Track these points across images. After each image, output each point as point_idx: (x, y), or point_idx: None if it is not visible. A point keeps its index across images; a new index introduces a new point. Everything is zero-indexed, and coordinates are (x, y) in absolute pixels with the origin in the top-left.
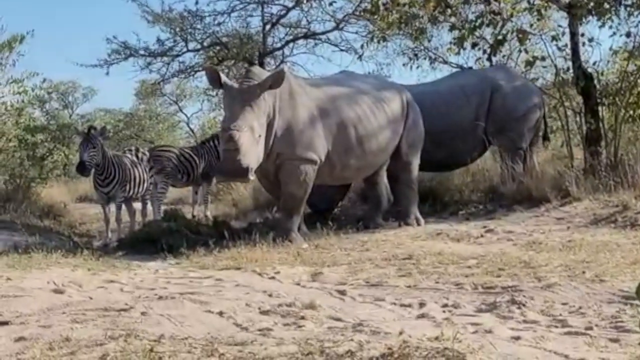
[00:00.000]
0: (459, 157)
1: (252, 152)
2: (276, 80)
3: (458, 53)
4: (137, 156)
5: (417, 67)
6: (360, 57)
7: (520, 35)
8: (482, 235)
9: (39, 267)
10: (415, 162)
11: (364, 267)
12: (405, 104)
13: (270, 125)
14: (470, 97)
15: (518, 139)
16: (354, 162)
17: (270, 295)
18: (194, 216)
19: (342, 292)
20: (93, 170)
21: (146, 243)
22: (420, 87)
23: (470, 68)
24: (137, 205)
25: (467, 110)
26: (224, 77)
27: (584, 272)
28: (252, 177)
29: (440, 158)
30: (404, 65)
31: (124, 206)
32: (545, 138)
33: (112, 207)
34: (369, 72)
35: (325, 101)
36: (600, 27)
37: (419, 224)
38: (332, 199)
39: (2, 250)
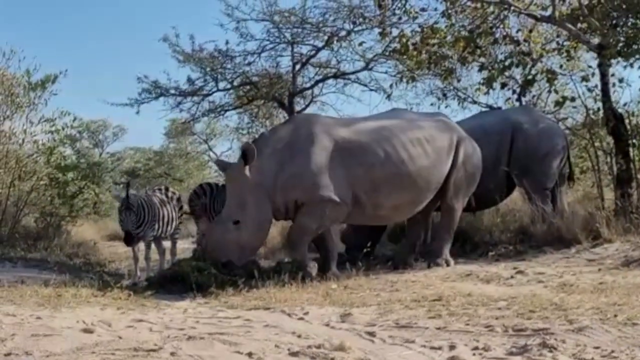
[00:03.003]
0: (485, 196)
1: (224, 246)
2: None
3: (487, 93)
4: (166, 195)
5: (446, 107)
6: (388, 97)
7: (550, 76)
8: (512, 277)
9: (69, 306)
10: (459, 206)
11: (393, 308)
12: (454, 143)
13: (274, 181)
14: (491, 136)
15: (543, 179)
16: (387, 201)
17: (299, 336)
18: None
19: (372, 334)
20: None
21: (175, 282)
22: None
23: (499, 108)
24: (167, 244)
25: (487, 149)
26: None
27: (615, 315)
28: (240, 263)
29: None
30: (431, 105)
31: (153, 245)
32: (570, 179)
33: (142, 246)
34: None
35: (349, 141)
36: (625, 67)
37: (448, 265)
38: (363, 241)
39: (32, 288)
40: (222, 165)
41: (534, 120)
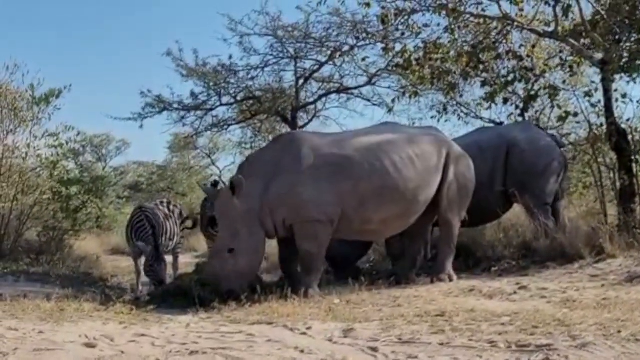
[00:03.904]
0: (484, 211)
1: (225, 276)
2: (236, 189)
3: (489, 108)
4: (168, 208)
5: (446, 122)
6: (390, 111)
7: (552, 92)
8: (515, 292)
9: (71, 320)
10: (457, 219)
11: (396, 323)
12: (444, 157)
13: (260, 203)
14: (485, 151)
15: (542, 195)
16: (375, 215)
17: (302, 352)
18: None
19: (375, 349)
20: (129, 226)
21: (178, 296)
22: None
23: (502, 123)
24: (169, 259)
25: (482, 165)
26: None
27: (619, 331)
28: (242, 290)
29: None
30: (432, 118)
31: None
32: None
33: (144, 260)
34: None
35: (337, 157)
36: (629, 82)
37: (451, 280)
38: (348, 255)
39: (35, 303)
40: (211, 194)
41: (530, 136)
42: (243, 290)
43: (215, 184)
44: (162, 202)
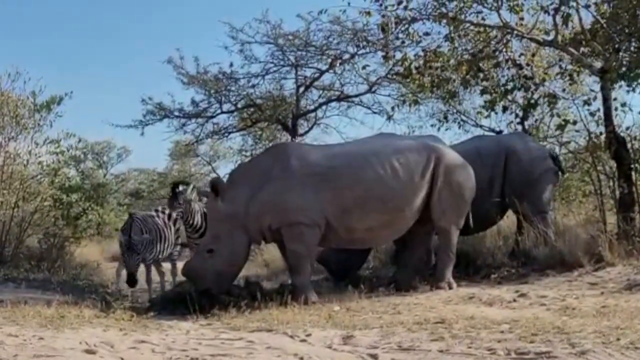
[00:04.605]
0: (482, 218)
1: (202, 275)
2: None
3: (488, 116)
4: (164, 213)
5: (447, 130)
6: (389, 118)
7: (551, 100)
8: (514, 300)
9: (71, 327)
10: (453, 227)
11: (395, 330)
12: (432, 165)
13: (245, 209)
14: (485, 158)
15: (539, 203)
16: (359, 224)
17: (301, 359)
18: None
19: (374, 356)
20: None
21: (177, 303)
22: None
23: (501, 132)
24: (167, 265)
25: (481, 171)
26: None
27: (618, 339)
28: (218, 291)
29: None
30: (432, 126)
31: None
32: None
33: (141, 268)
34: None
35: (322, 167)
36: (627, 91)
37: (450, 288)
38: (347, 263)
39: (35, 309)
40: (203, 195)
41: (526, 145)
42: (220, 291)
43: (175, 185)
44: (157, 210)
